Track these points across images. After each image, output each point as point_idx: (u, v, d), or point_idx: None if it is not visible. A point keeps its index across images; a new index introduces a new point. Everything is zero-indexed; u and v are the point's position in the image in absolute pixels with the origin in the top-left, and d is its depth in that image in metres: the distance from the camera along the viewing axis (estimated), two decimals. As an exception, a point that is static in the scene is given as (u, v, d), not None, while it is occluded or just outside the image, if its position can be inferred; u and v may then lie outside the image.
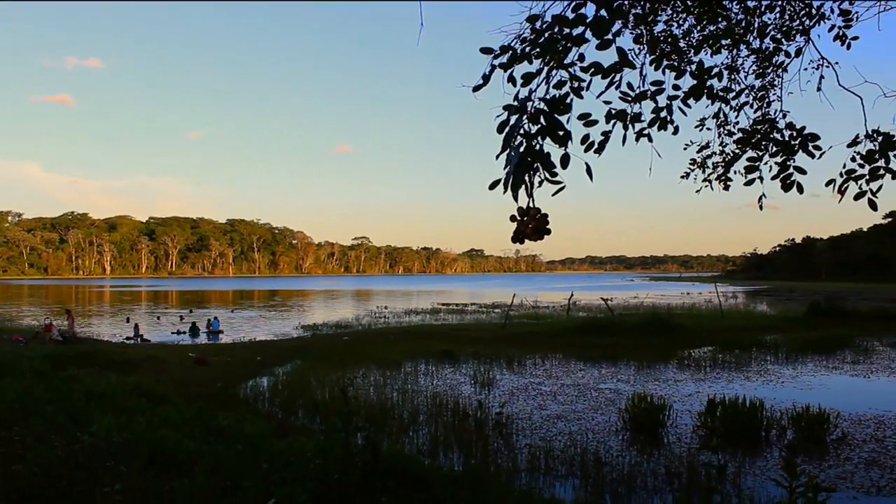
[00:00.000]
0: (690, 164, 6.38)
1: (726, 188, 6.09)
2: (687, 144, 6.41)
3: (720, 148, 6.19)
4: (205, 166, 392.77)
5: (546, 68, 3.05)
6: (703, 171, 6.34)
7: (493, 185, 2.89)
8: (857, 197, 4.23)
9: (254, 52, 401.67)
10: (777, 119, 5.57)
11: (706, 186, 6.30)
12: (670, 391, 15.00)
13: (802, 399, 13.03)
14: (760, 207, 5.16)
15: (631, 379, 16.79)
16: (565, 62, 3.05)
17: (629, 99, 4.13)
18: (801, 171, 4.46)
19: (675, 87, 4.62)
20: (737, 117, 6.06)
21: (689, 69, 4.83)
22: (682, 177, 6.50)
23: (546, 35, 3.00)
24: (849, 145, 4.36)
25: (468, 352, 21.14)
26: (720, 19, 5.70)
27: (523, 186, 2.82)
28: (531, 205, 2.87)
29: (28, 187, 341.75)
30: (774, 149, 4.97)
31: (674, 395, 14.38)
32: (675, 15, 5.77)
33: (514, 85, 3.10)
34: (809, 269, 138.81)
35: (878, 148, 4.27)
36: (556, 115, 2.89)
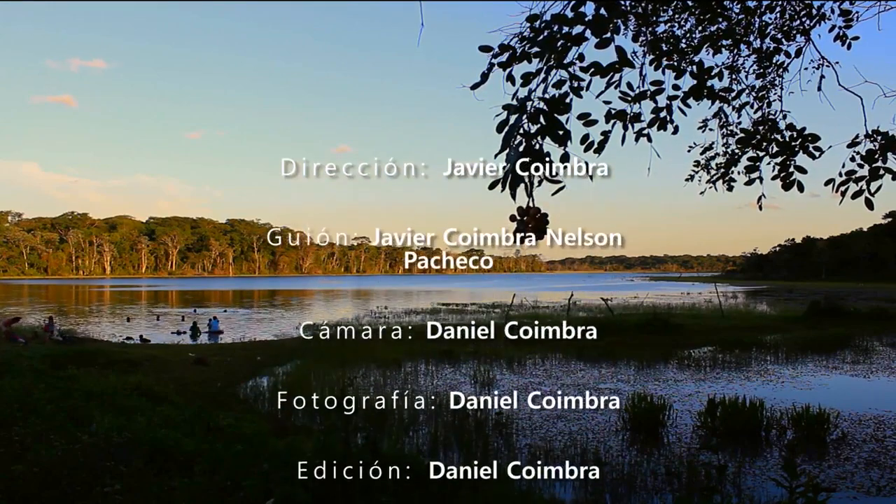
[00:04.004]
0: (694, 165, 6.36)
1: (730, 189, 6.08)
2: (690, 147, 6.40)
3: (723, 149, 6.18)
4: (205, 166, 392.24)
5: (545, 68, 3.04)
6: (708, 173, 6.32)
7: (492, 185, 2.89)
8: (856, 195, 4.23)
9: (253, 53, 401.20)
10: (777, 119, 5.57)
11: (710, 188, 6.28)
12: (670, 391, 14.99)
13: (802, 399, 13.02)
14: (760, 207, 5.16)
15: (631, 379, 16.78)
16: (564, 62, 3.04)
17: (629, 99, 4.12)
18: (802, 170, 4.46)
19: (675, 87, 4.61)
20: (738, 118, 6.06)
21: (689, 69, 4.82)
22: (687, 179, 6.48)
23: (545, 33, 3.00)
24: (849, 145, 4.35)
25: (468, 351, 21.13)
26: (720, 19, 5.70)
27: (523, 186, 2.82)
28: (531, 204, 2.87)
29: (27, 187, 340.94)
30: (775, 149, 4.97)
31: (674, 395, 14.37)
32: (675, 15, 5.76)
33: (514, 84, 3.10)
34: (809, 268, 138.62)
35: (878, 148, 4.26)
36: (555, 115, 2.89)
